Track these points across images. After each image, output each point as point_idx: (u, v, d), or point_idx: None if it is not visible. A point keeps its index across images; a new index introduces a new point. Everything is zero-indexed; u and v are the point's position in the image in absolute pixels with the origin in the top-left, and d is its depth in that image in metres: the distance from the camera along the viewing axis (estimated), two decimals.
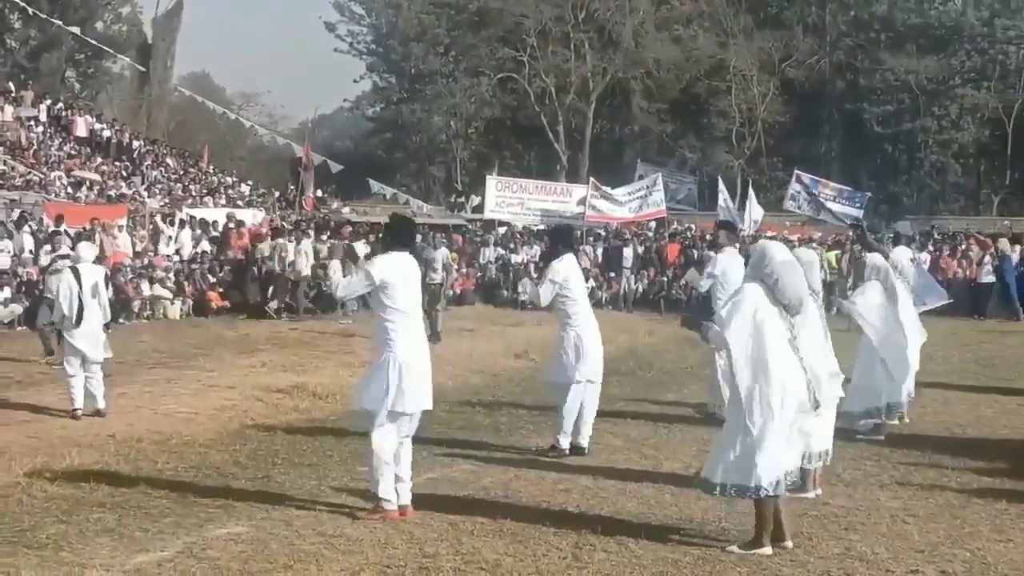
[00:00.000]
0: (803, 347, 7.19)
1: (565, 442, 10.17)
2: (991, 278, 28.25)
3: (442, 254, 22.75)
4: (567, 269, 10.19)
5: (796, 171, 35.36)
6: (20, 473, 9.14)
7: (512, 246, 30.56)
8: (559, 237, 10.91)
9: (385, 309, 7.79)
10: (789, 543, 7.17)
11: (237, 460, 10.02)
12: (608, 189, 31.72)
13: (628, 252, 28.88)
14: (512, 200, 31.56)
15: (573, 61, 58.05)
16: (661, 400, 13.82)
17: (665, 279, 28.80)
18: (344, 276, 8.22)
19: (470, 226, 33.89)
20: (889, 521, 8.02)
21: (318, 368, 16.07)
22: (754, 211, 32.48)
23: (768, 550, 7.05)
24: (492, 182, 31.91)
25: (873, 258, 11.55)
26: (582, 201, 30.66)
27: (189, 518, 7.85)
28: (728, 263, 11.69)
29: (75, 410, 12.18)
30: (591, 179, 33.43)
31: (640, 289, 28.79)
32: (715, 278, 11.71)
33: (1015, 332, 24.51)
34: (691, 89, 60.21)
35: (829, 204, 34.21)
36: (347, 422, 11.11)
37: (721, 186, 33.19)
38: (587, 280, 27.59)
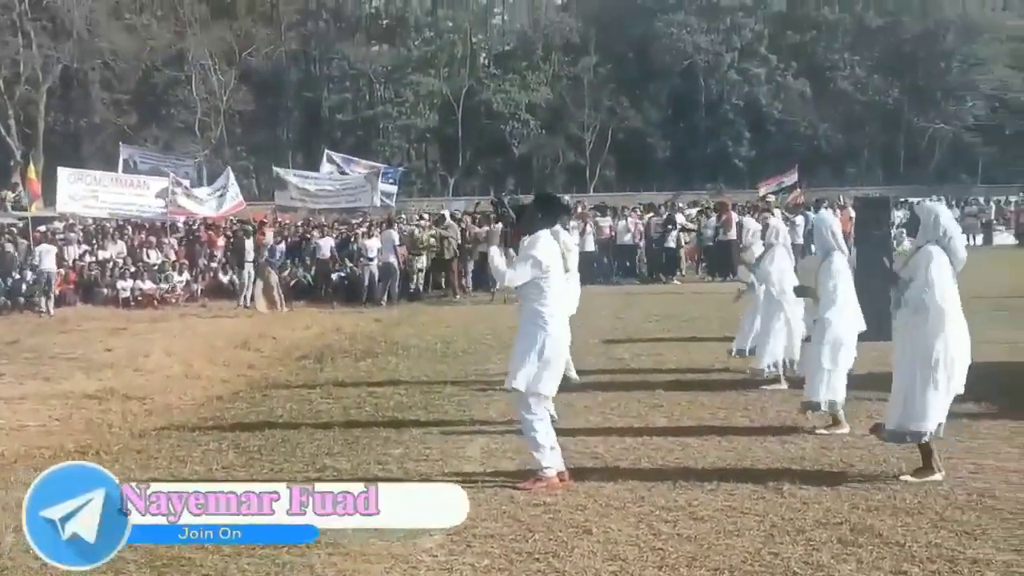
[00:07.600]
0: None
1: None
2: None
3: None
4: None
5: (326, 151, 36.09)
6: None
7: (95, 242, 28.22)
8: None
9: (541, 292, 7.59)
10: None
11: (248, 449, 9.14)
12: (188, 186, 30.18)
13: (282, 247, 26.78)
14: (86, 193, 28.96)
15: (23, 51, 54.18)
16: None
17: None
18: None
19: (19, 224, 30.54)
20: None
21: (69, 376, 14.12)
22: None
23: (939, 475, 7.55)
24: (65, 174, 28.99)
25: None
26: (162, 194, 28.95)
27: None
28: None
29: None
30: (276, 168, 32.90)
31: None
32: None
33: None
34: (150, 79, 58.76)
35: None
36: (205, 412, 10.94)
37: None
38: (179, 272, 26.51)
